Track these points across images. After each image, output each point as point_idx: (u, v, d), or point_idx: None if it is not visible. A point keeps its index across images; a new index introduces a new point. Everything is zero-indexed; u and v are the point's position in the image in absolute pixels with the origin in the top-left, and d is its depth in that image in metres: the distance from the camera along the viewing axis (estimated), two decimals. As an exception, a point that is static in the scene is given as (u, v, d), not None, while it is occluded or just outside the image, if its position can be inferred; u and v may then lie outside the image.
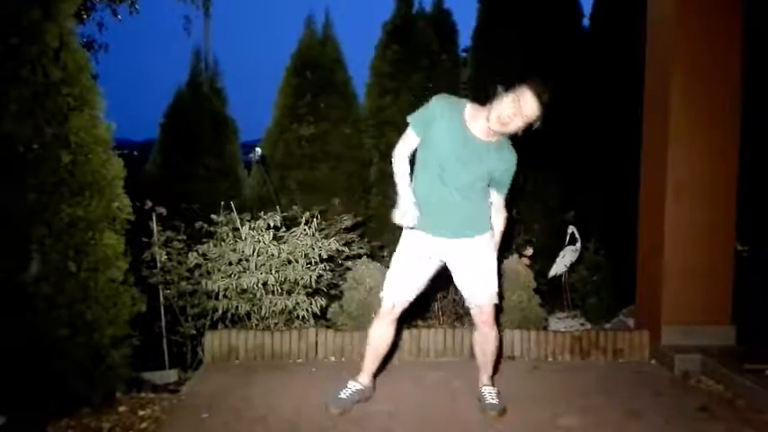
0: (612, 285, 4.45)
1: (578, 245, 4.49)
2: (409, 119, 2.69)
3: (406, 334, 3.60)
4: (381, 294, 2.78)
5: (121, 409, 2.80)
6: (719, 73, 3.56)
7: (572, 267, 4.54)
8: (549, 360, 3.64)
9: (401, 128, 2.78)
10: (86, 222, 2.80)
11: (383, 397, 2.95)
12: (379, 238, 4.44)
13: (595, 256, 4.54)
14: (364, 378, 2.87)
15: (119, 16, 7.75)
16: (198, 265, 3.70)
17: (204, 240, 3.73)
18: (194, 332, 3.76)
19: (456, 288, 2.90)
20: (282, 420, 2.69)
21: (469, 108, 2.64)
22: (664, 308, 3.60)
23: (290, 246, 3.67)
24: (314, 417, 2.71)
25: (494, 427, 2.67)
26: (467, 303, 2.85)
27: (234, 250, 3.59)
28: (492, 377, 2.95)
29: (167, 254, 3.72)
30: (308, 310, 3.62)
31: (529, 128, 2.54)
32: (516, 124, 2.52)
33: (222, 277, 3.58)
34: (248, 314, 3.64)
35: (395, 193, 2.70)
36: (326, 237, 3.85)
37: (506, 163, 2.67)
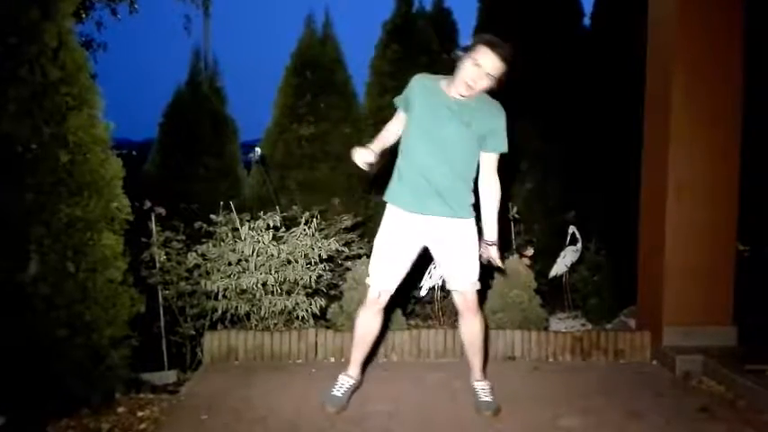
0: (613, 286, 4.44)
1: (579, 245, 4.48)
2: (394, 100, 2.80)
3: (406, 334, 3.60)
4: (367, 281, 2.78)
5: (120, 409, 2.79)
6: (721, 72, 3.55)
7: (573, 267, 4.53)
8: (550, 360, 3.63)
9: (401, 127, 2.78)
10: (85, 222, 2.79)
11: (383, 397, 2.94)
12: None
13: (596, 257, 4.53)
14: (354, 370, 2.87)
15: (118, 15, 7.74)
16: (197, 266, 3.69)
17: (203, 240, 3.72)
18: (193, 333, 3.75)
19: None
20: (282, 421, 2.68)
21: (446, 80, 2.70)
22: (665, 308, 3.59)
23: (290, 246, 3.66)
24: (314, 417, 2.70)
25: (494, 427, 2.66)
26: (448, 287, 2.86)
27: (233, 250, 3.58)
28: (484, 370, 2.93)
29: (166, 254, 3.71)
30: (307, 311, 3.61)
31: (501, 81, 2.59)
32: (484, 83, 2.56)
33: (221, 277, 3.57)
34: (248, 315, 3.63)
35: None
36: (326, 237, 3.85)
37: (491, 115, 2.65)
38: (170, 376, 3.57)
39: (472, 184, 2.71)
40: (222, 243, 3.65)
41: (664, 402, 2.99)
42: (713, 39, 3.53)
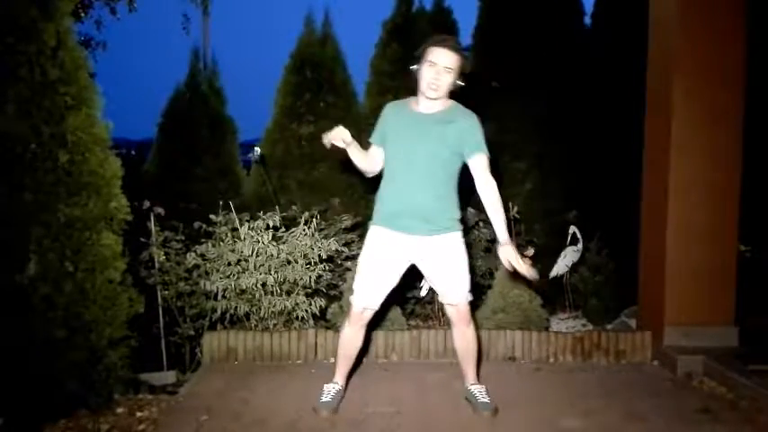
0: (614, 286, 4.43)
1: (580, 245, 4.46)
2: (369, 140, 2.88)
3: (406, 335, 3.59)
4: (351, 298, 2.77)
5: (119, 410, 2.78)
6: (722, 72, 3.54)
7: (573, 268, 4.52)
8: (551, 361, 3.62)
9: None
10: (84, 222, 2.78)
11: (383, 398, 2.94)
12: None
13: (597, 257, 4.52)
14: (339, 379, 2.88)
15: (117, 14, 7.73)
16: (196, 266, 3.68)
17: (203, 240, 3.71)
18: (193, 333, 3.74)
19: None
20: (282, 422, 2.67)
21: (413, 99, 2.77)
22: (666, 309, 3.58)
23: (290, 246, 3.65)
24: (313, 418, 2.69)
25: (494, 427, 2.65)
26: (440, 300, 2.89)
27: (233, 250, 3.57)
28: (477, 374, 2.93)
29: (165, 254, 3.70)
30: (307, 311, 3.60)
31: (463, 73, 2.63)
32: (446, 80, 2.60)
33: (221, 278, 3.56)
34: (247, 315, 3.62)
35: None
36: (326, 237, 3.83)
37: (462, 120, 2.66)
38: (169, 377, 3.57)
39: (456, 198, 2.72)
40: (221, 243, 3.63)
41: (665, 403, 2.98)
42: (714, 39, 3.53)
